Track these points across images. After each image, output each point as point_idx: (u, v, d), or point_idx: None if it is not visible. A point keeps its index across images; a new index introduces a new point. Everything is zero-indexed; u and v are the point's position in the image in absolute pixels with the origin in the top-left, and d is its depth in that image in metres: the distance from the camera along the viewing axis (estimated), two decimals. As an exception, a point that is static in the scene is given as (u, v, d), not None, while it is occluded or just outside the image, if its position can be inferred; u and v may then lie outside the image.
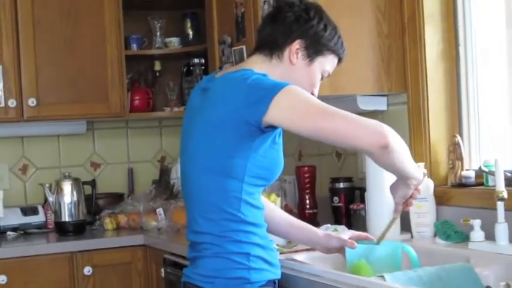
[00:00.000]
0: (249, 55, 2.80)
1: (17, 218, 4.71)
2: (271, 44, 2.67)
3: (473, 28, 3.55)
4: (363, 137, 2.39)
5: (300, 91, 2.47)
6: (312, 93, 2.68)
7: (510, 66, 3.39)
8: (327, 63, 2.70)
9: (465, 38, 3.57)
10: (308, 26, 2.66)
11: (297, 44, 2.64)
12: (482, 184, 3.33)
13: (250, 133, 2.48)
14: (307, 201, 4.14)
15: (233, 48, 4.28)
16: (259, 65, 2.65)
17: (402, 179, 2.58)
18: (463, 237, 3.14)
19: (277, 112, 2.41)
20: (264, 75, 2.56)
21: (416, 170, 2.58)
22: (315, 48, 2.66)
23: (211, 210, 2.57)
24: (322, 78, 2.74)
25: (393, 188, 2.65)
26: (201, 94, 2.69)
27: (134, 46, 5.09)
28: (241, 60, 3.97)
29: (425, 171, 2.69)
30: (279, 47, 2.66)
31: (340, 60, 2.75)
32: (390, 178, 2.66)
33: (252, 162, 2.53)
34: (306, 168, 4.19)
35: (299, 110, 2.42)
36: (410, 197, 2.64)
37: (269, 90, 2.44)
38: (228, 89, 2.55)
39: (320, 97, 3.46)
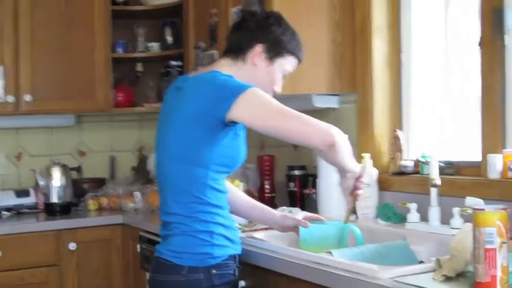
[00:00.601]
0: (219, 59, 2.78)
1: (11, 200, 4.66)
2: (236, 48, 2.68)
3: (414, 38, 3.56)
4: (314, 136, 2.43)
5: (261, 93, 2.48)
6: (274, 91, 2.69)
7: (445, 72, 3.38)
8: (287, 64, 2.70)
9: (407, 45, 3.59)
10: (268, 31, 2.66)
11: (258, 48, 2.64)
12: (418, 172, 3.35)
13: (215, 127, 2.48)
14: (267, 186, 4.16)
15: (207, 53, 4.27)
16: (226, 68, 2.65)
17: (341, 172, 2.62)
18: (401, 219, 3.15)
19: (240, 110, 2.42)
20: (230, 76, 2.56)
21: (354, 165, 2.61)
22: (274, 51, 2.66)
23: (181, 194, 2.57)
24: (283, 77, 2.74)
25: (340, 184, 2.68)
26: (175, 92, 2.69)
27: (120, 50, 5.08)
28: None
29: (363, 165, 2.68)
30: (243, 51, 2.66)
31: (299, 61, 2.75)
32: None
33: (217, 152, 2.53)
34: (267, 157, 4.19)
35: (259, 110, 2.44)
36: (356, 188, 2.65)
37: (234, 91, 2.45)
38: (198, 88, 2.55)
39: (281, 95, 3.48)
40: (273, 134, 2.49)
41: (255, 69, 2.65)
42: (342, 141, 2.47)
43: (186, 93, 2.58)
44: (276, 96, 3.29)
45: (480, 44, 3.02)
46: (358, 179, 2.63)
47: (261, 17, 2.69)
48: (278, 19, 2.71)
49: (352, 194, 2.66)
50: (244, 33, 2.67)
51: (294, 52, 2.70)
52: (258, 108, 2.44)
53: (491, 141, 2.96)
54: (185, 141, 2.53)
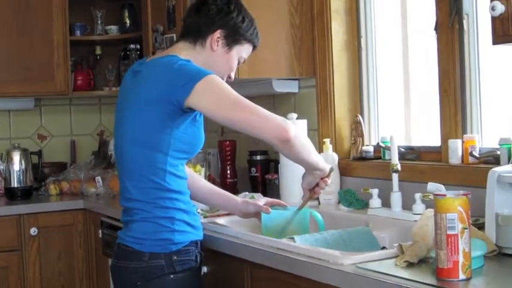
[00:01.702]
0: (175, 42, 2.75)
1: (-30, 184, 4.61)
2: (195, 32, 2.64)
3: (373, 21, 3.56)
4: (267, 129, 2.41)
5: (219, 81, 2.46)
6: (229, 76, 2.69)
7: (404, 55, 3.40)
8: (244, 50, 2.70)
9: (366, 30, 3.59)
10: (228, 18, 2.63)
11: (218, 34, 2.62)
12: (379, 158, 3.35)
13: (173, 112, 2.46)
14: (228, 172, 4.12)
15: (165, 36, 4.24)
16: (184, 52, 2.61)
17: (307, 169, 2.62)
18: (363, 204, 3.15)
19: (197, 98, 2.41)
20: (188, 61, 2.53)
21: (321, 163, 2.61)
22: (233, 38, 2.64)
23: (140, 180, 2.54)
24: (238, 63, 2.73)
25: (303, 176, 2.68)
26: (132, 76, 2.64)
27: (78, 32, 5.03)
28: (172, 46, 3.95)
29: (332, 166, 2.68)
30: (202, 36, 2.63)
31: (254, 47, 2.74)
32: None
33: (175, 137, 2.50)
34: (228, 142, 4.16)
35: (216, 99, 2.43)
36: (318, 185, 2.67)
37: (192, 77, 2.42)
38: (156, 72, 2.52)
39: (241, 80, 3.47)
40: (227, 124, 2.49)
41: (213, 55, 2.63)
42: (299, 138, 2.45)
43: (144, 77, 2.55)
44: (237, 81, 3.27)
45: (436, 29, 3.02)
46: (323, 178, 2.65)
47: (222, 2, 2.65)
48: (238, 5, 2.68)
49: (312, 190, 2.68)
50: (204, 17, 2.63)
51: (251, 40, 2.69)
52: (214, 97, 2.43)
53: (451, 126, 2.97)
54: (143, 126, 2.51)
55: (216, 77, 2.47)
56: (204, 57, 2.62)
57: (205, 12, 2.63)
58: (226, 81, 2.63)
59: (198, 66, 2.51)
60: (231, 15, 2.63)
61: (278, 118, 2.43)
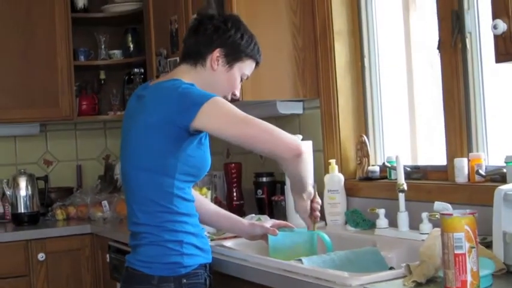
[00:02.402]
0: (177, 64, 2.76)
1: (-23, 210, 4.61)
2: (195, 53, 2.64)
3: (376, 41, 3.57)
4: (281, 145, 2.42)
5: (224, 102, 2.48)
6: (234, 94, 2.69)
7: (408, 74, 3.40)
8: (246, 67, 2.69)
9: (369, 50, 3.59)
10: (226, 36, 2.63)
11: (217, 53, 2.61)
12: (385, 178, 3.34)
13: (179, 136, 2.46)
14: (235, 194, 4.12)
15: (168, 60, 4.26)
16: (186, 75, 2.62)
17: (298, 192, 2.63)
18: (370, 225, 3.14)
19: (204, 119, 2.41)
20: (192, 85, 2.54)
21: (309, 185, 2.62)
22: (233, 55, 2.63)
23: (147, 204, 2.54)
24: (241, 81, 2.72)
25: (296, 208, 2.69)
26: (136, 101, 2.65)
27: (82, 57, 5.07)
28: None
29: (315, 184, 2.69)
30: (202, 56, 2.63)
31: (257, 64, 2.73)
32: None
33: (182, 161, 2.50)
34: (233, 165, 4.16)
35: (224, 119, 2.44)
36: (313, 210, 2.67)
37: (197, 99, 2.43)
38: (159, 96, 2.52)
39: (244, 102, 3.48)
40: (238, 143, 2.48)
41: (214, 74, 2.63)
42: (308, 154, 2.49)
43: (147, 101, 2.55)
44: (241, 103, 3.28)
45: (439, 48, 3.02)
46: (313, 199, 2.66)
47: (219, 21, 2.65)
48: (236, 22, 2.68)
49: (311, 216, 2.69)
50: (202, 37, 2.63)
51: (253, 56, 2.68)
52: (222, 116, 2.43)
53: (456, 144, 2.97)
54: (148, 151, 2.51)
55: (221, 98, 2.48)
56: (206, 78, 2.62)
57: (203, 32, 2.63)
58: (231, 100, 2.64)
59: (202, 90, 2.51)
60: (229, 33, 2.63)
61: (288, 134, 2.45)
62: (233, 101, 3.40)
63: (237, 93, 2.71)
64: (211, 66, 2.62)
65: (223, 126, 2.43)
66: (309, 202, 2.65)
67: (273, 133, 2.43)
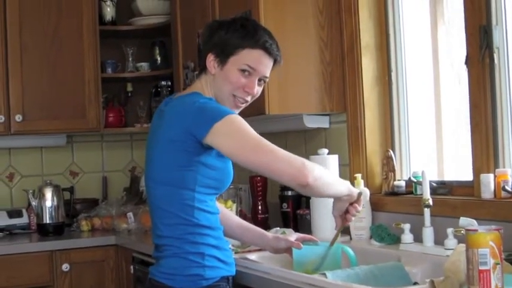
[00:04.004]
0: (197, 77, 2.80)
1: (3, 220, 4.64)
2: (201, 65, 2.72)
3: (403, 56, 3.57)
4: (285, 175, 2.41)
5: (239, 122, 2.46)
6: (246, 92, 2.60)
7: (435, 89, 3.39)
8: (243, 58, 2.58)
9: (396, 64, 3.59)
10: (211, 39, 2.64)
11: (209, 57, 2.62)
12: (411, 193, 3.32)
13: (196, 149, 2.48)
14: (260, 207, 4.12)
15: (195, 73, 4.24)
16: (203, 86, 2.66)
17: (334, 198, 2.62)
18: (395, 239, 3.14)
19: (216, 138, 2.43)
20: (210, 99, 2.57)
21: (346, 188, 2.59)
22: (223, 53, 2.59)
23: (169, 217, 2.57)
24: (249, 73, 2.60)
25: (333, 204, 2.66)
26: (159, 115, 2.68)
27: (109, 70, 5.10)
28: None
29: (361, 191, 2.67)
30: (203, 66, 2.67)
31: (260, 48, 2.59)
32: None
33: (202, 174, 2.53)
34: (259, 178, 4.15)
35: (232, 141, 2.44)
36: (348, 212, 2.64)
37: (212, 116, 2.44)
38: (178, 112, 2.55)
39: (270, 116, 3.48)
40: (247, 167, 2.49)
41: (215, 78, 2.62)
42: (319, 180, 2.42)
43: (167, 116, 2.58)
44: (267, 117, 3.28)
45: (466, 63, 3.02)
46: (353, 203, 2.62)
47: (203, 33, 2.70)
48: (215, 24, 2.70)
49: (343, 217, 2.65)
50: (200, 51, 2.70)
51: (243, 44, 2.58)
52: (234, 139, 2.43)
53: (482, 160, 2.95)
54: (167, 165, 2.54)
55: (237, 117, 2.47)
56: (213, 84, 2.64)
57: (199, 47, 2.70)
58: (245, 102, 2.63)
59: (219, 105, 2.53)
60: (213, 35, 2.64)
61: (298, 162, 2.40)
62: (259, 113, 3.42)
63: (249, 90, 2.61)
64: (210, 72, 2.63)
65: (233, 150, 2.44)
66: (347, 204, 2.62)
67: (282, 162, 2.40)
